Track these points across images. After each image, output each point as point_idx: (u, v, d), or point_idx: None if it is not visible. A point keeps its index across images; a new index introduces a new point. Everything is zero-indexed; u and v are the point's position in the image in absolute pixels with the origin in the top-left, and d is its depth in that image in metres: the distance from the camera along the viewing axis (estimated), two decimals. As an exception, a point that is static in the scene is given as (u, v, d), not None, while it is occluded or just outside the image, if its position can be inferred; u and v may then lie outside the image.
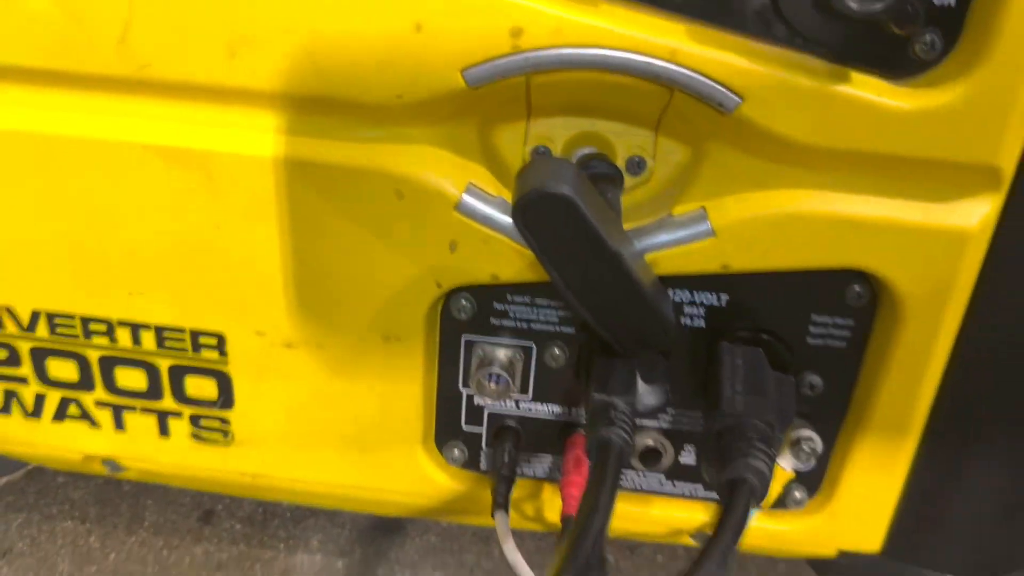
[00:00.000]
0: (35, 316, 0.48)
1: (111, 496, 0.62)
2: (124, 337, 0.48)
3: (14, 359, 0.50)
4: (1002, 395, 0.45)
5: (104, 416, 0.51)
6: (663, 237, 0.42)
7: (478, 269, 0.44)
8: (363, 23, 0.38)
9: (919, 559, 0.51)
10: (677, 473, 0.50)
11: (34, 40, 0.40)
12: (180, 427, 0.51)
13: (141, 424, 0.51)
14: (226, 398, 0.49)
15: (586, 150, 0.43)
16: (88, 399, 0.51)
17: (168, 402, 0.50)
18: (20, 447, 0.54)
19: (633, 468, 0.50)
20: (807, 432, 0.46)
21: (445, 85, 0.38)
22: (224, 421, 0.50)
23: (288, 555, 0.58)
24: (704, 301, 0.45)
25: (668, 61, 0.37)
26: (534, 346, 0.47)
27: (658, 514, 0.51)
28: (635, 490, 0.51)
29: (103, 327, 0.48)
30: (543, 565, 0.41)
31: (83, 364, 0.49)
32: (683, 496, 0.51)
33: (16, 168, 0.44)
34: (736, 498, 0.37)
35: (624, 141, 0.42)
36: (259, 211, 0.43)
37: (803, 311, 0.44)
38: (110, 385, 0.50)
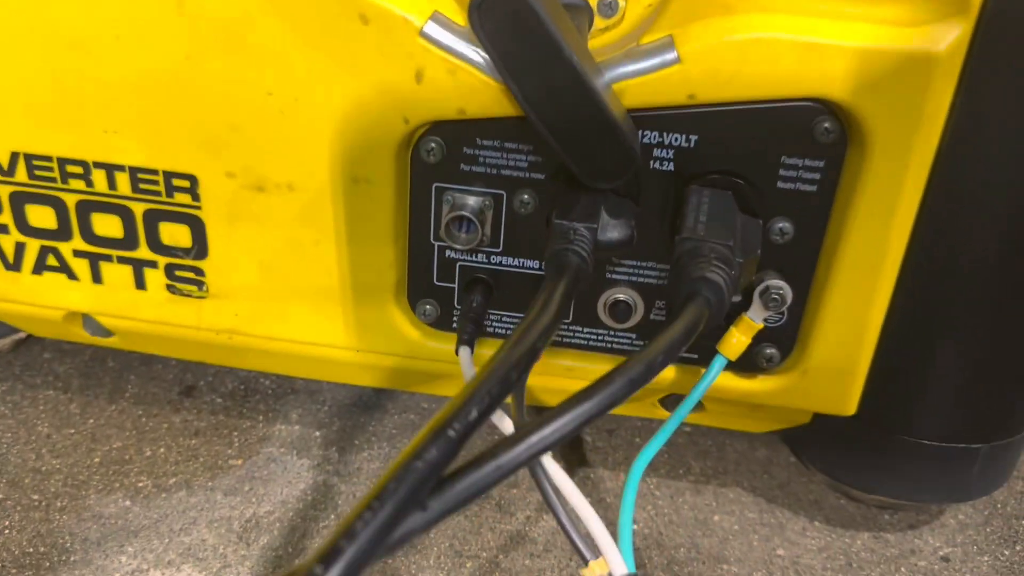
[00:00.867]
0: (13, 158, 0.49)
1: (95, 371, 0.63)
2: (100, 180, 0.48)
3: (-5, 207, 0.51)
4: (977, 245, 0.44)
5: (82, 267, 0.52)
6: (629, 67, 0.42)
7: (445, 102, 0.43)
8: None
9: (896, 424, 0.50)
10: (649, 332, 0.50)
11: None
12: (156, 278, 0.51)
13: (118, 275, 0.52)
14: (200, 247, 0.50)
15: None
16: (66, 248, 0.51)
17: (144, 251, 0.50)
18: (0, 303, 0.54)
19: (604, 326, 0.50)
20: (776, 281, 0.45)
21: None
22: (199, 272, 0.51)
23: (267, 425, 0.59)
24: (673, 143, 0.44)
25: None
26: (504, 194, 0.47)
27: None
28: (606, 350, 0.51)
29: (80, 169, 0.48)
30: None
31: (61, 210, 0.50)
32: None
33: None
34: (689, 303, 0.37)
35: None
36: (227, 41, 0.43)
37: (773, 152, 0.43)
38: (87, 233, 0.50)
